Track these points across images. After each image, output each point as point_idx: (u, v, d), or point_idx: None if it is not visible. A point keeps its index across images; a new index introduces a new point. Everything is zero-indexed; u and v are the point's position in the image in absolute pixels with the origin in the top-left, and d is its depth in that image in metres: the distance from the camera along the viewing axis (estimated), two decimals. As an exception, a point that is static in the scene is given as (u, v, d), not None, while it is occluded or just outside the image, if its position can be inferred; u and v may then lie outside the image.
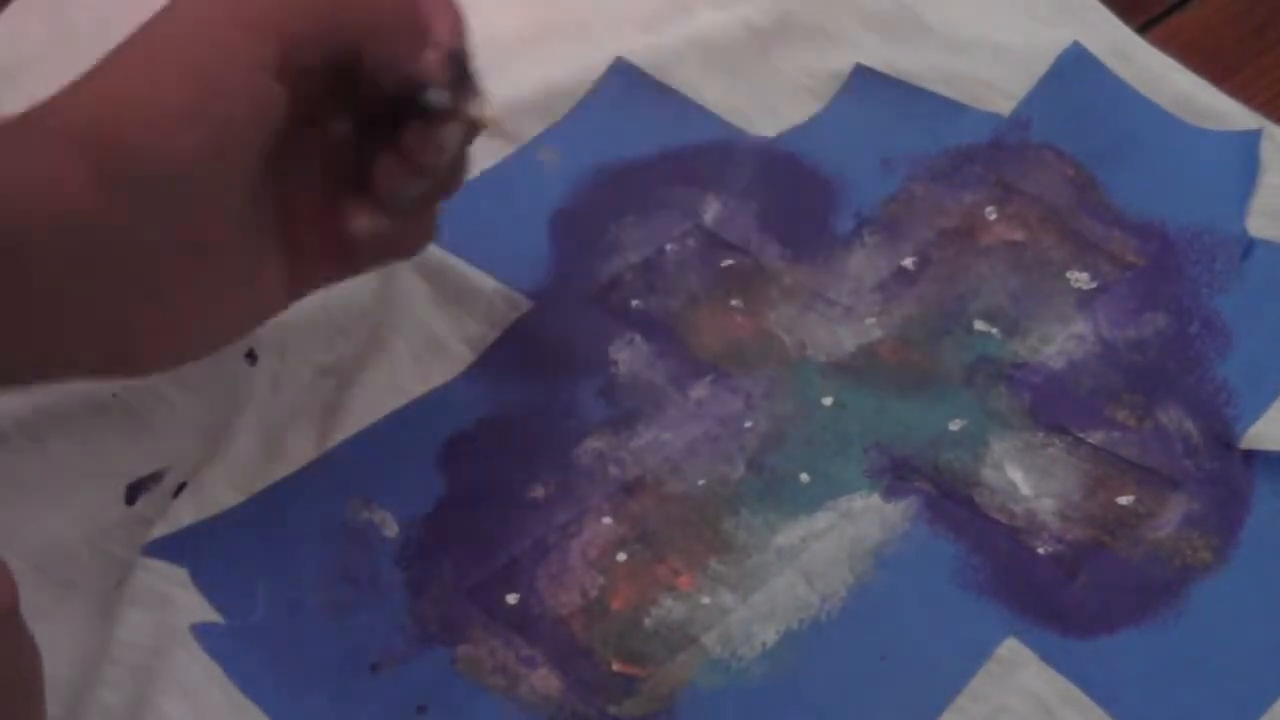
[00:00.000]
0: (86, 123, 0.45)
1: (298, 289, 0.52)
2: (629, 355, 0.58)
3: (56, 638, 0.51)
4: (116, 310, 0.47)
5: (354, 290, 0.58)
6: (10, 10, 0.67)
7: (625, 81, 0.66)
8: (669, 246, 0.61)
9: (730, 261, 0.61)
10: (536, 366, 0.58)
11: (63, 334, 0.46)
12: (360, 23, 0.48)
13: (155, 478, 0.55)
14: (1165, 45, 0.67)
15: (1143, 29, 0.69)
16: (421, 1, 0.49)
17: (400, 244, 0.53)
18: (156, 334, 0.48)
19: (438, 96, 0.49)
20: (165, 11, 0.47)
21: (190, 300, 0.48)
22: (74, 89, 0.46)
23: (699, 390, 0.58)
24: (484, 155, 0.64)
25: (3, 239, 0.44)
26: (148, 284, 0.47)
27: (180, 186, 0.46)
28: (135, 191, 0.45)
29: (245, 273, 0.49)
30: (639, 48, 0.67)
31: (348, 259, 0.53)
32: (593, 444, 0.56)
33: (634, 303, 0.60)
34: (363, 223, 0.51)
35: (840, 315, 0.59)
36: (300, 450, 0.56)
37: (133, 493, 0.55)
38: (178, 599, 0.52)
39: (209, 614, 0.52)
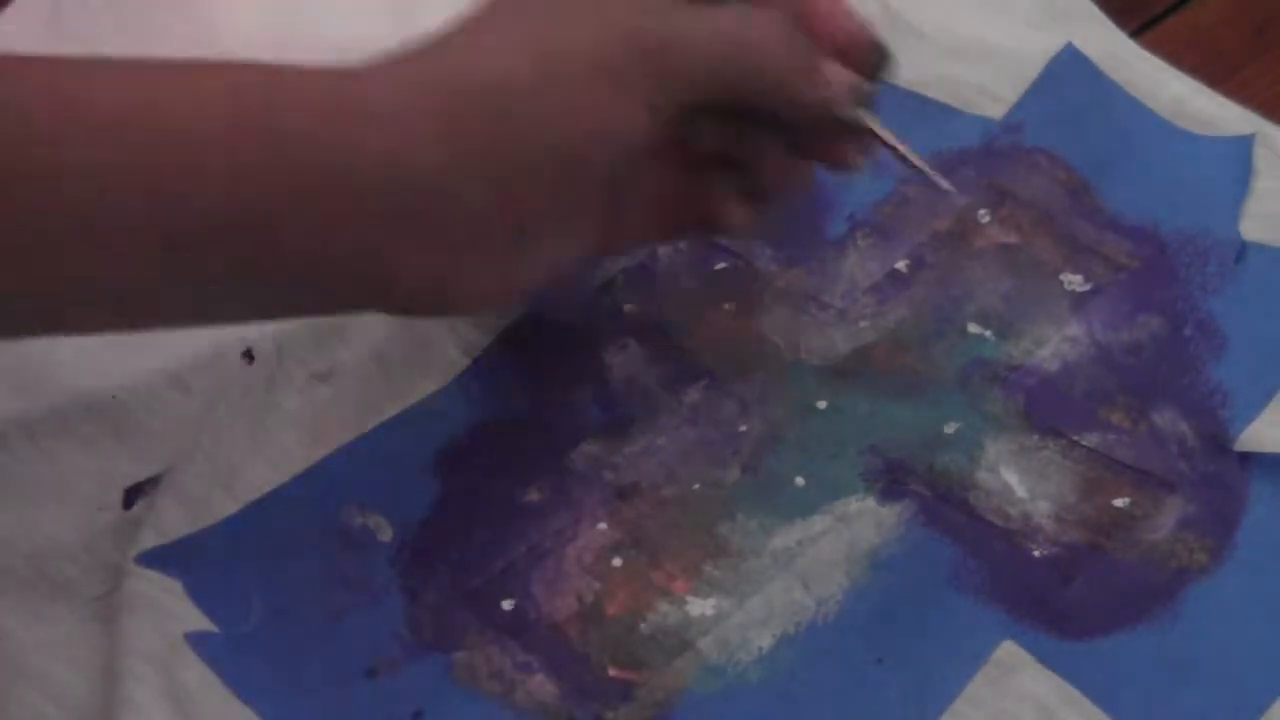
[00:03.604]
0: (448, 92, 0.47)
1: (606, 252, 0.56)
2: (622, 360, 0.58)
3: (54, 638, 0.51)
4: (431, 255, 0.47)
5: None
6: (10, 10, 0.67)
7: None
8: (662, 250, 0.61)
9: (723, 265, 0.61)
10: (530, 372, 0.58)
11: (375, 269, 0.47)
12: (751, 78, 0.50)
13: (153, 482, 0.55)
14: (1164, 45, 0.67)
15: (1142, 28, 0.68)
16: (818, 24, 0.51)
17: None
18: (463, 279, 0.49)
19: (850, 115, 0.52)
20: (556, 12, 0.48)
21: (504, 253, 0.49)
22: (441, 54, 0.48)
23: (693, 394, 0.57)
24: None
25: (333, 171, 0.45)
26: (462, 236, 0.48)
27: (523, 169, 0.47)
28: (478, 164, 0.47)
29: (560, 240, 0.50)
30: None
31: (669, 236, 0.58)
32: (587, 449, 0.56)
33: (627, 307, 0.60)
34: (741, 218, 0.54)
35: (834, 318, 0.59)
36: (295, 456, 0.56)
37: (131, 496, 0.55)
38: (172, 608, 0.52)
39: (203, 623, 0.51)
